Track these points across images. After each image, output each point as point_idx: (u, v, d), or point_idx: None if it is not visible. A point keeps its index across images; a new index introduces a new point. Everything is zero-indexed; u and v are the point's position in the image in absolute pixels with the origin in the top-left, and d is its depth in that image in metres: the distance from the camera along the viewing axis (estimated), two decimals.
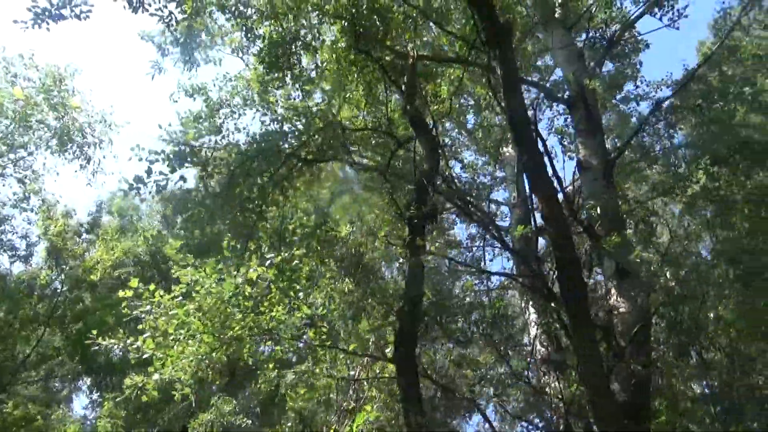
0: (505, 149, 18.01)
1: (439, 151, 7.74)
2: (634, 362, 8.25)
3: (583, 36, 12.53)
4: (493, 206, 16.76)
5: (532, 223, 9.72)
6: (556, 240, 6.63)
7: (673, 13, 12.43)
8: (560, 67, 12.16)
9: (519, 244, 14.33)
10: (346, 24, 6.88)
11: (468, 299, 9.20)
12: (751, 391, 7.34)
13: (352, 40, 6.90)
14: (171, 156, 6.52)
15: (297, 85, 9.32)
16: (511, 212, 14.95)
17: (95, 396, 15.07)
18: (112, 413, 12.93)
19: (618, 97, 15.37)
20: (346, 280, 7.06)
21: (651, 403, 8.50)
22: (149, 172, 6.50)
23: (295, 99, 9.25)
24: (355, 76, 7.51)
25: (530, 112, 8.13)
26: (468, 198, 8.96)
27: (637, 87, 14.51)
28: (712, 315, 7.34)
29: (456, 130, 14.94)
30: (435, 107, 11.50)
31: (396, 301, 6.55)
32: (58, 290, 11.66)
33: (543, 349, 11.00)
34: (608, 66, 13.75)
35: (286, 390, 9.75)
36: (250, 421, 13.95)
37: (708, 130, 15.12)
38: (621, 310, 8.87)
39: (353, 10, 6.76)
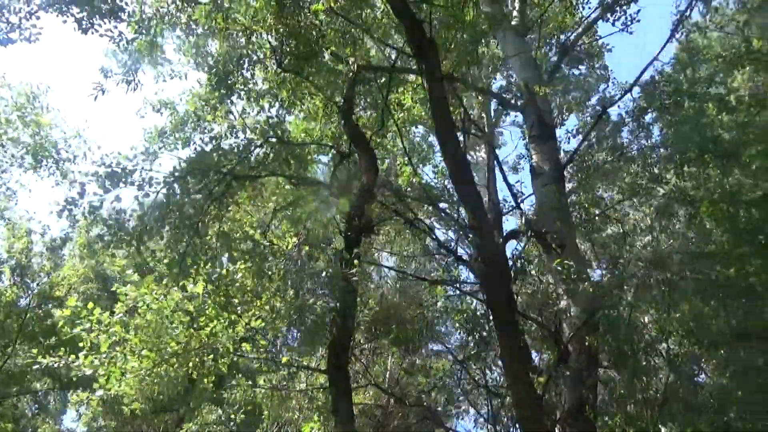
0: (477, 154, 18.18)
1: (378, 163, 7.87)
2: (578, 364, 8.41)
3: (540, 42, 12.76)
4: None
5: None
6: (482, 247, 6.78)
7: (626, 18, 12.62)
8: (515, 73, 12.32)
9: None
10: (272, 43, 7.05)
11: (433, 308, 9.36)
12: (694, 395, 7.45)
13: (277, 58, 7.08)
14: (103, 176, 6.68)
15: (250, 100, 9.50)
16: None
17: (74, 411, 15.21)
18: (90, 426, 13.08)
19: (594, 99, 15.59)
20: (287, 293, 7.20)
21: (596, 404, 8.64)
22: (81, 193, 6.66)
23: (248, 114, 9.42)
24: (287, 94, 7.68)
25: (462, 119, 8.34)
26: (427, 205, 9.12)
27: (603, 91, 14.72)
28: (647, 319, 7.46)
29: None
30: (401, 115, 11.69)
31: (328, 313, 6.67)
32: (27, 306, 11.85)
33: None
34: (565, 71, 13.94)
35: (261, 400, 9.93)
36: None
37: (676, 131, 15.28)
38: (571, 313, 9.03)
39: (279, 28, 6.92)
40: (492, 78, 15.06)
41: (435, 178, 14.59)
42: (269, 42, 7.37)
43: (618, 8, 12.25)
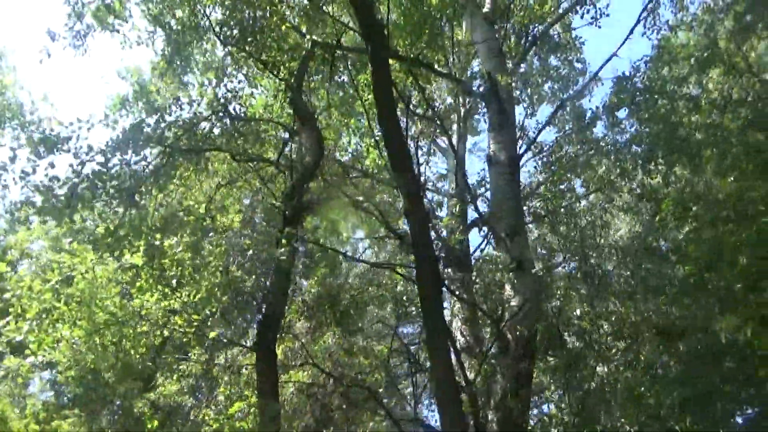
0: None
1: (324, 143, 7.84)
2: (515, 352, 8.54)
3: (506, 31, 12.71)
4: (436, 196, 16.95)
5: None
6: (415, 236, 6.82)
7: (595, 12, 12.62)
8: (480, 60, 12.28)
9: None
10: (220, 17, 6.96)
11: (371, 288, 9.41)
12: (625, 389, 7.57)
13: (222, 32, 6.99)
14: (37, 142, 6.58)
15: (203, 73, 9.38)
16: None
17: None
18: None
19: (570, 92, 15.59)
20: (224, 270, 7.19)
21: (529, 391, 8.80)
22: (13, 158, 6.57)
23: (207, 87, 9.30)
24: (233, 69, 7.62)
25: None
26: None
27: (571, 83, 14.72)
28: (578, 312, 7.58)
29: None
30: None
31: (258, 291, 6.68)
32: None
33: (462, 339, 11.26)
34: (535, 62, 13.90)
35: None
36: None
37: (647, 128, 15.39)
38: (512, 303, 9.12)
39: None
40: (470, 65, 14.99)
41: None
42: (217, 14, 7.28)
43: (588, 1, 12.25)
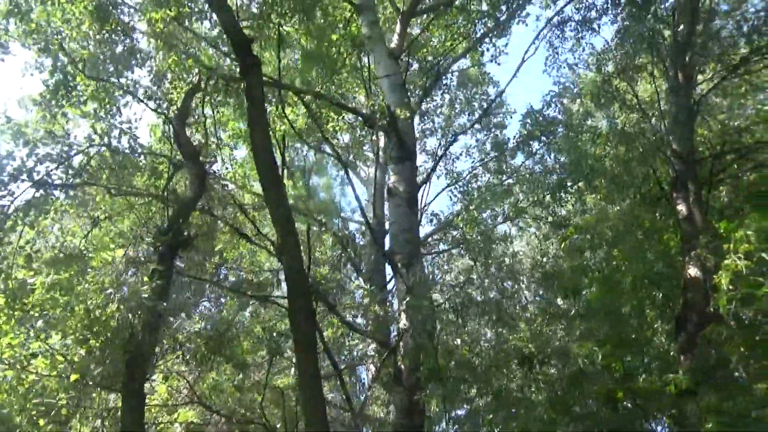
0: (364, 168, 18.35)
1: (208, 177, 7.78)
2: (409, 381, 8.59)
3: (407, 66, 13.11)
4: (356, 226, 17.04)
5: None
6: (289, 271, 6.81)
7: (495, 50, 13.22)
8: (385, 94, 12.58)
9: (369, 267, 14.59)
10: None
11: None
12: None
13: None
14: None
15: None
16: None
17: None
18: None
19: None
20: (95, 308, 6.93)
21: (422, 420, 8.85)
22: None
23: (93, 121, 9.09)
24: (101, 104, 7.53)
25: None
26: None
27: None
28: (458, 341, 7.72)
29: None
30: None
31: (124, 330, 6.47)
32: None
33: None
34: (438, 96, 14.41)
35: None
36: None
37: (555, 159, 16.08)
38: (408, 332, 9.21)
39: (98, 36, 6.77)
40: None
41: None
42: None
43: (488, 40, 12.82)
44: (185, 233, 7.39)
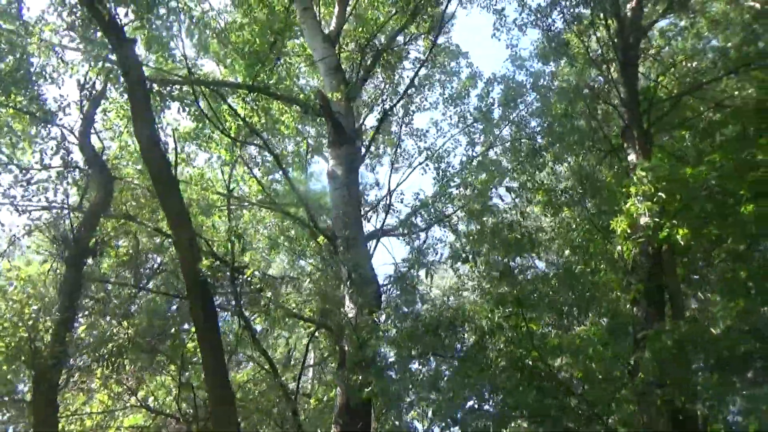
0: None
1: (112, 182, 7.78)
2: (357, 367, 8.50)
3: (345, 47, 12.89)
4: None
5: None
6: (182, 266, 6.75)
7: (432, 23, 12.87)
8: (322, 78, 12.39)
9: None
10: None
11: None
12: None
13: None
14: None
15: None
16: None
17: None
18: None
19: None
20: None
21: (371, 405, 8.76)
22: None
23: None
24: None
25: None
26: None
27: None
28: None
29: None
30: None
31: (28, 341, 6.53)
32: None
33: None
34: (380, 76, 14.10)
35: None
36: None
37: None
38: (350, 315, 9.10)
39: None
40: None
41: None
42: None
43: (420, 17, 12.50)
44: (93, 240, 7.41)
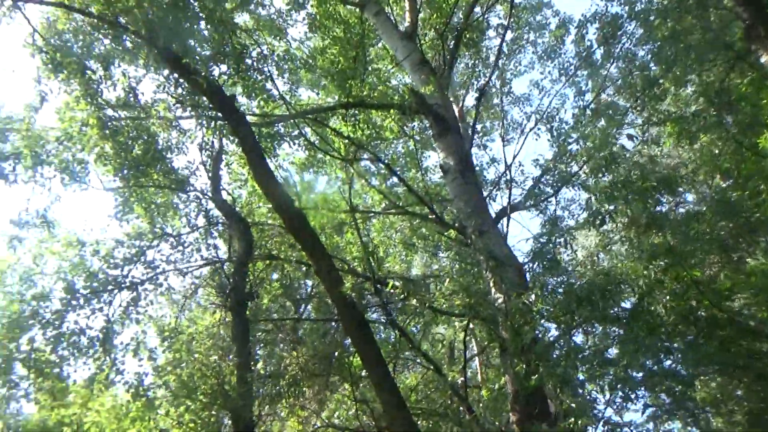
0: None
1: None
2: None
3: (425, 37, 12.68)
4: None
5: None
6: (328, 288, 7.05)
7: None
8: (410, 76, 12.34)
9: None
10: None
11: None
12: None
13: None
14: None
15: None
16: None
17: None
18: None
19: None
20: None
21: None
22: None
23: None
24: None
25: None
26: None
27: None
28: None
29: None
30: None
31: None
32: None
33: None
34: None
35: None
36: None
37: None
38: (499, 301, 9.02)
39: None
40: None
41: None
42: None
43: None
44: (249, 287, 8.07)
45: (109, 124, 7.74)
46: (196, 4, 6.91)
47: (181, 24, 7.08)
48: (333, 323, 9.53)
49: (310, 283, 10.98)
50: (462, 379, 10.16)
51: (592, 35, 14.12)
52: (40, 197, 8.78)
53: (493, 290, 9.20)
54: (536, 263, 9.43)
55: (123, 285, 8.36)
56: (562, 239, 10.25)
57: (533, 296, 8.09)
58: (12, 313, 7.71)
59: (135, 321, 8.63)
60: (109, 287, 8.33)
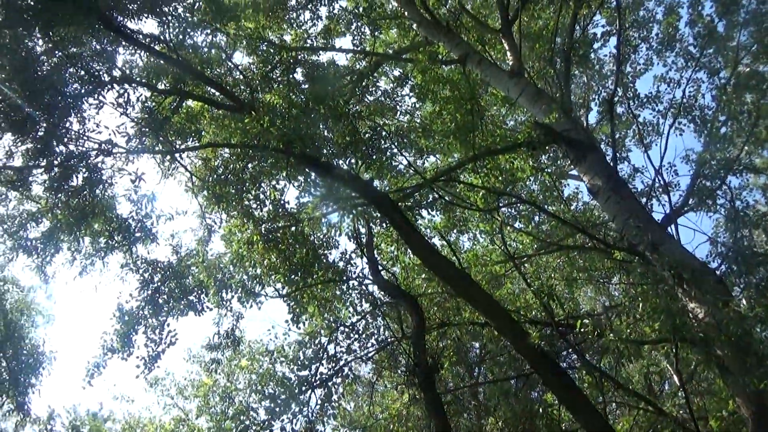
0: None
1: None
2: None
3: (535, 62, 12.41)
4: None
5: None
6: (514, 343, 6.71)
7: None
8: (529, 111, 12.04)
9: None
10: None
11: None
12: None
13: None
14: None
15: None
16: None
17: None
18: None
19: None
20: None
21: None
22: None
23: None
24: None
25: None
26: None
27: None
28: None
29: None
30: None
31: None
32: None
33: None
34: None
35: None
36: None
37: None
38: (699, 315, 8.09)
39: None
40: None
41: None
42: None
43: None
44: (429, 359, 8.00)
45: (270, 236, 8.36)
46: (320, 107, 7.42)
47: (309, 129, 7.63)
48: (512, 381, 9.17)
49: (477, 344, 10.74)
50: (683, 412, 9.10)
51: (709, 9, 13.09)
52: (225, 319, 9.52)
53: (690, 305, 8.32)
54: (730, 265, 8.41)
55: (314, 384, 8.66)
56: (747, 231, 9.09)
57: (743, 301, 7.16)
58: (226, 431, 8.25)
59: (332, 417, 8.84)
60: (303, 387, 8.65)
